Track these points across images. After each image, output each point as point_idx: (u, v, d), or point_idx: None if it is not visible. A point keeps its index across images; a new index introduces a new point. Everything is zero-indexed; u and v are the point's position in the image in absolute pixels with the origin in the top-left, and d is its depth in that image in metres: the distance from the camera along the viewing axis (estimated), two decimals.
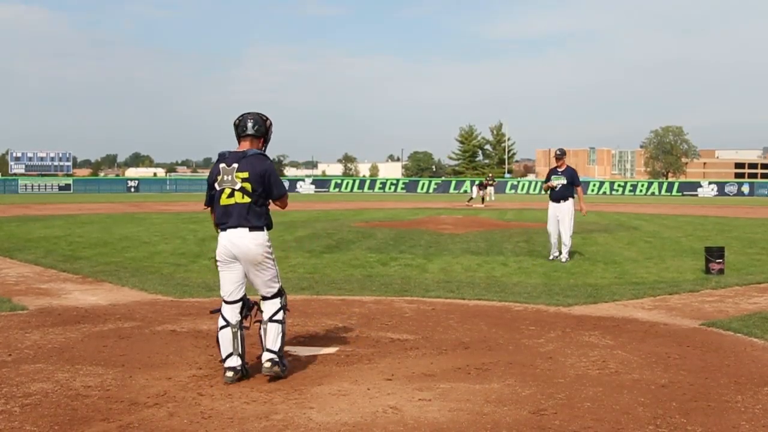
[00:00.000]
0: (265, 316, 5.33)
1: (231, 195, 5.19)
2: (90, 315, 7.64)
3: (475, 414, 4.45)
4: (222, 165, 5.26)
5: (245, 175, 5.18)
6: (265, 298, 5.36)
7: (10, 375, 5.27)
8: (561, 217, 12.48)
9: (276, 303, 5.35)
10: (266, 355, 5.22)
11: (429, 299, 8.73)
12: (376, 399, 4.74)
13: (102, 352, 6.01)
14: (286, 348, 6.00)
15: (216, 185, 5.27)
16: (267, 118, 5.48)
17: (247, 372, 5.26)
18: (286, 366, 5.33)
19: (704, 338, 6.68)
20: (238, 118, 5.44)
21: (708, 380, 5.25)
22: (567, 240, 12.46)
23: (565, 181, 12.58)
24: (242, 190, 5.18)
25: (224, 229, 5.24)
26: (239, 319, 5.30)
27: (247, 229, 5.16)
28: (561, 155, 12.88)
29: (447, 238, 16.77)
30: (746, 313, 7.89)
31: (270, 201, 5.39)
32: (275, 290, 5.36)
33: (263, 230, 5.25)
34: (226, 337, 5.23)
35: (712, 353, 6.09)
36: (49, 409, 4.52)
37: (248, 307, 5.39)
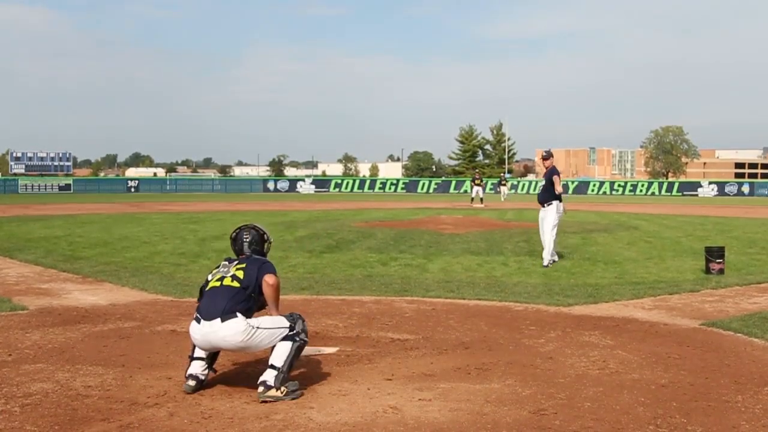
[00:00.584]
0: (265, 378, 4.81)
1: (221, 279, 5.05)
2: (90, 315, 7.64)
3: (475, 414, 4.45)
4: (224, 262, 5.23)
5: (242, 266, 5.09)
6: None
7: (10, 375, 5.27)
8: (542, 221, 12.12)
9: (288, 342, 4.91)
10: (265, 375, 4.79)
11: (429, 299, 8.73)
12: (376, 399, 4.74)
13: (102, 352, 6.01)
14: None
15: (209, 276, 5.17)
16: (264, 232, 5.37)
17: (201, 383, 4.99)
18: (291, 390, 4.79)
19: (704, 338, 6.68)
20: (234, 233, 5.36)
21: (708, 380, 5.25)
22: (549, 244, 11.90)
23: (545, 182, 12.27)
24: (234, 277, 5.02)
25: (197, 321, 4.91)
26: (205, 373, 5.02)
27: (218, 320, 4.82)
28: (546, 156, 12.41)
29: (447, 238, 16.77)
30: (746, 313, 7.89)
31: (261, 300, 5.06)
32: (285, 333, 4.93)
33: (237, 316, 4.83)
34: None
35: (712, 353, 6.09)
36: (49, 409, 4.52)
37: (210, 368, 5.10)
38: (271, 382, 4.75)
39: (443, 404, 4.63)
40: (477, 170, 50.71)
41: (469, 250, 14.13)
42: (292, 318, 5.03)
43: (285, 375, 4.82)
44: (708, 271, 10.91)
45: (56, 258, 12.56)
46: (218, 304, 4.88)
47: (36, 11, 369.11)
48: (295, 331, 4.95)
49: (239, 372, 5.43)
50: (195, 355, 5.01)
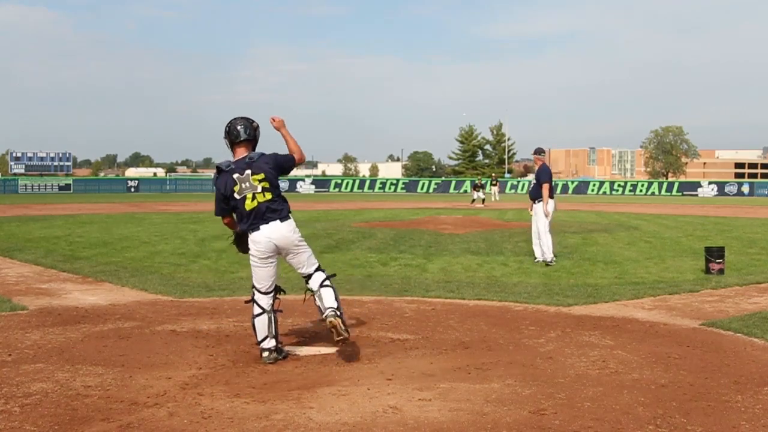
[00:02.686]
0: (314, 285, 5.74)
1: (254, 198, 5.62)
2: (90, 315, 7.63)
3: (475, 414, 4.45)
4: (235, 175, 5.65)
5: (261, 176, 5.65)
6: (310, 275, 5.80)
7: (10, 375, 5.27)
8: (534, 217, 12.26)
9: (321, 274, 5.80)
10: (329, 312, 5.55)
11: (429, 299, 8.72)
12: (376, 399, 4.74)
13: (102, 352, 6.01)
14: (287, 347, 6.04)
15: (235, 195, 5.66)
16: (253, 121, 5.85)
17: (282, 352, 5.76)
18: (346, 328, 5.60)
19: (704, 338, 6.68)
20: (227, 125, 5.79)
21: (708, 380, 5.25)
22: (543, 240, 11.96)
23: (534, 180, 12.44)
24: (263, 190, 5.63)
25: (257, 228, 5.61)
26: (272, 304, 5.74)
27: (278, 221, 5.62)
28: (538, 152, 12.60)
29: (447, 238, 16.77)
30: (746, 313, 7.88)
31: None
32: (317, 264, 5.84)
33: (290, 217, 5.71)
34: (262, 323, 5.68)
35: (712, 353, 6.09)
36: (49, 409, 4.52)
37: (278, 292, 5.85)
38: (338, 312, 5.61)
39: (443, 404, 4.63)
40: (479, 176, 50.88)
41: (468, 250, 14.13)
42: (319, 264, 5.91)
43: (340, 305, 5.71)
44: (708, 271, 10.91)
45: (56, 258, 12.56)
46: (269, 214, 5.63)
47: (36, 11, 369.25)
48: (324, 271, 5.88)
49: (239, 372, 5.43)
50: (263, 345, 5.69)
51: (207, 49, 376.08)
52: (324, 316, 5.61)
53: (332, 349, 6.11)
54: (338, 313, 5.60)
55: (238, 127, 5.74)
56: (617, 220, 25.07)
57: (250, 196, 5.62)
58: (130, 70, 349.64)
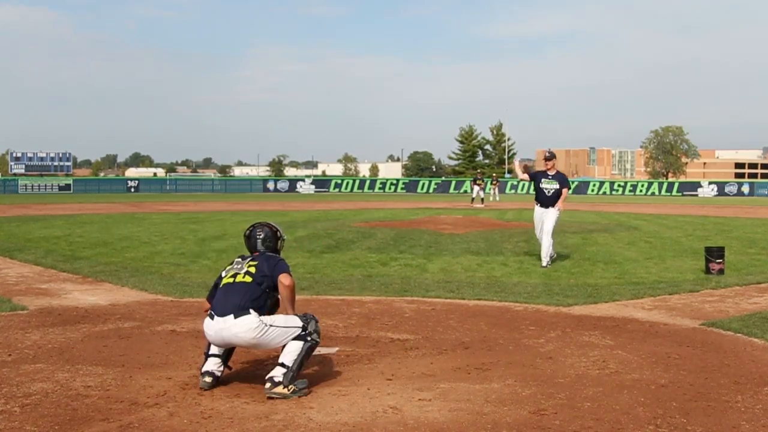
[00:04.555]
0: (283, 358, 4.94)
1: (234, 276, 5.13)
2: (90, 315, 7.64)
3: (475, 414, 4.45)
4: (237, 259, 5.30)
5: (255, 262, 5.17)
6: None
7: (10, 375, 5.27)
8: (546, 222, 11.89)
9: (299, 342, 4.97)
10: (274, 371, 4.86)
11: (429, 299, 8.72)
12: (376, 399, 4.74)
13: (102, 352, 6.01)
14: None
15: (222, 273, 5.25)
16: (277, 230, 5.45)
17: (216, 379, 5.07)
18: (299, 389, 4.82)
19: (704, 338, 6.68)
20: (248, 230, 5.43)
21: (708, 380, 5.25)
22: (548, 245, 11.82)
23: (557, 186, 11.99)
24: (247, 272, 5.11)
25: (211, 317, 5.00)
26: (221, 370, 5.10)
27: (231, 317, 4.90)
28: (551, 157, 12.20)
29: (447, 238, 16.77)
30: (746, 313, 7.88)
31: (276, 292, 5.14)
32: (297, 333, 4.99)
33: (250, 312, 4.91)
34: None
35: (712, 353, 6.09)
36: (49, 409, 4.52)
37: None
38: (279, 378, 4.80)
39: (443, 404, 4.63)
40: (478, 170, 50.72)
41: (468, 250, 14.13)
42: (306, 318, 5.08)
43: (294, 374, 4.87)
44: (708, 271, 10.91)
45: (56, 258, 12.56)
46: (232, 300, 4.96)
47: (37, 11, 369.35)
48: (307, 331, 5.01)
49: (239, 372, 5.43)
50: (210, 352, 5.08)
51: (207, 49, 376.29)
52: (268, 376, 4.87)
53: (332, 349, 6.11)
54: (279, 378, 4.79)
55: (257, 240, 5.32)
56: (617, 220, 25.06)
57: (232, 272, 5.15)
58: (130, 70, 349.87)
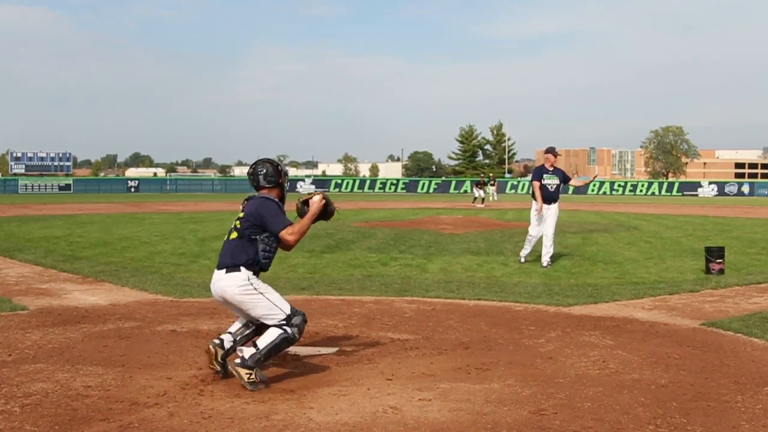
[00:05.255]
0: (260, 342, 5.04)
1: (229, 232, 5.27)
2: (90, 315, 7.64)
3: (475, 414, 4.45)
4: (241, 207, 5.36)
5: (241, 215, 5.24)
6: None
7: (10, 375, 5.27)
8: (547, 219, 11.88)
9: (278, 331, 5.03)
10: (245, 349, 4.99)
11: (429, 299, 8.72)
12: (376, 399, 4.74)
13: (102, 352, 6.01)
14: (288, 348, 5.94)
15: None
16: (278, 164, 5.45)
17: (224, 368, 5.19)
18: (259, 380, 4.95)
19: (704, 338, 6.68)
20: (251, 168, 5.45)
21: (708, 380, 5.25)
22: (550, 243, 11.85)
23: (558, 181, 11.98)
24: (234, 227, 5.22)
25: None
26: (224, 339, 5.24)
27: (224, 271, 5.12)
28: (550, 150, 12.10)
29: (447, 238, 16.77)
30: (746, 313, 7.88)
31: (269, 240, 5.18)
32: (278, 320, 5.06)
33: (240, 269, 5.06)
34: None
35: (712, 353, 6.09)
36: (49, 409, 4.52)
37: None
38: (246, 356, 4.95)
39: (443, 404, 4.63)
40: (482, 175, 50.89)
41: (469, 250, 14.13)
42: (295, 311, 5.14)
43: (260, 358, 4.98)
44: (708, 271, 10.91)
45: (56, 258, 12.56)
46: (224, 256, 5.18)
47: (36, 11, 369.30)
48: (290, 322, 5.06)
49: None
50: (229, 329, 5.32)
51: (207, 49, 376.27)
52: (237, 355, 5.04)
53: (332, 349, 6.11)
54: (248, 362, 4.92)
55: (259, 175, 5.34)
56: (617, 220, 25.06)
57: (230, 228, 5.30)
58: (130, 70, 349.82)
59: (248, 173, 5.46)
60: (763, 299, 8.85)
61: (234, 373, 4.96)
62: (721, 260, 10.93)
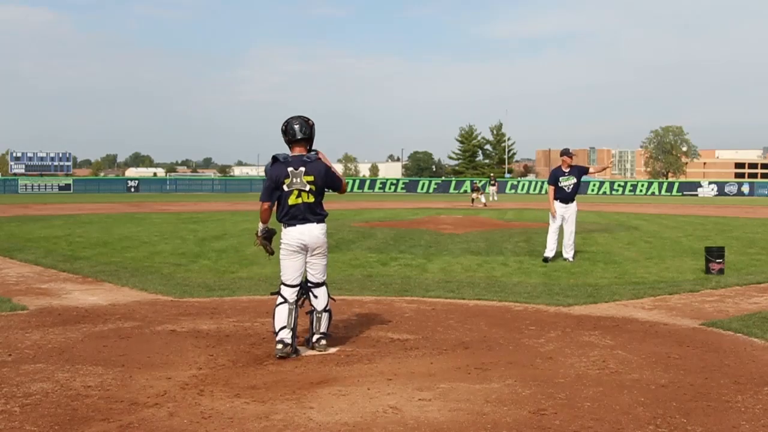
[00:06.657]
0: (319, 306, 6.02)
1: (299, 196, 5.89)
2: (90, 315, 7.63)
3: (475, 414, 4.45)
4: (290, 168, 5.89)
5: (311, 178, 5.91)
6: (317, 285, 6.04)
7: (10, 375, 5.27)
8: (568, 218, 12.40)
9: (325, 291, 6.08)
10: (318, 336, 6.02)
11: (429, 299, 8.72)
12: (376, 399, 4.74)
13: (102, 352, 6.01)
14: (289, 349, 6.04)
15: (285, 186, 5.90)
16: (309, 119, 6.05)
17: (297, 352, 5.86)
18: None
19: (704, 338, 6.68)
20: (284, 124, 6.01)
21: (708, 380, 5.25)
22: (572, 240, 12.46)
23: (575, 180, 12.43)
24: (310, 191, 5.92)
25: (293, 225, 5.91)
26: (296, 299, 5.93)
27: (315, 223, 5.95)
28: (565, 153, 12.53)
29: (447, 238, 16.77)
30: (746, 313, 7.88)
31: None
32: (324, 278, 6.10)
33: (324, 222, 6.06)
34: (282, 312, 5.84)
35: (712, 353, 6.09)
36: (49, 409, 4.51)
37: (304, 291, 6.04)
38: (326, 339, 6.04)
39: (443, 404, 4.63)
40: (478, 180, 51.02)
41: (468, 250, 14.13)
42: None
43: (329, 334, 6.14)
44: (708, 271, 10.91)
45: (56, 258, 12.56)
46: (309, 214, 5.94)
47: (37, 11, 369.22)
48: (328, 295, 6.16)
49: (239, 372, 5.43)
50: (278, 337, 5.83)
51: (207, 49, 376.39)
52: (314, 339, 6.02)
53: (332, 349, 6.11)
54: (325, 338, 6.05)
55: (295, 126, 5.95)
56: (617, 220, 25.06)
57: (296, 192, 5.87)
58: (130, 70, 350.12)
59: (282, 130, 5.99)
60: (763, 299, 8.85)
61: (322, 350, 5.95)
62: (721, 260, 10.93)
